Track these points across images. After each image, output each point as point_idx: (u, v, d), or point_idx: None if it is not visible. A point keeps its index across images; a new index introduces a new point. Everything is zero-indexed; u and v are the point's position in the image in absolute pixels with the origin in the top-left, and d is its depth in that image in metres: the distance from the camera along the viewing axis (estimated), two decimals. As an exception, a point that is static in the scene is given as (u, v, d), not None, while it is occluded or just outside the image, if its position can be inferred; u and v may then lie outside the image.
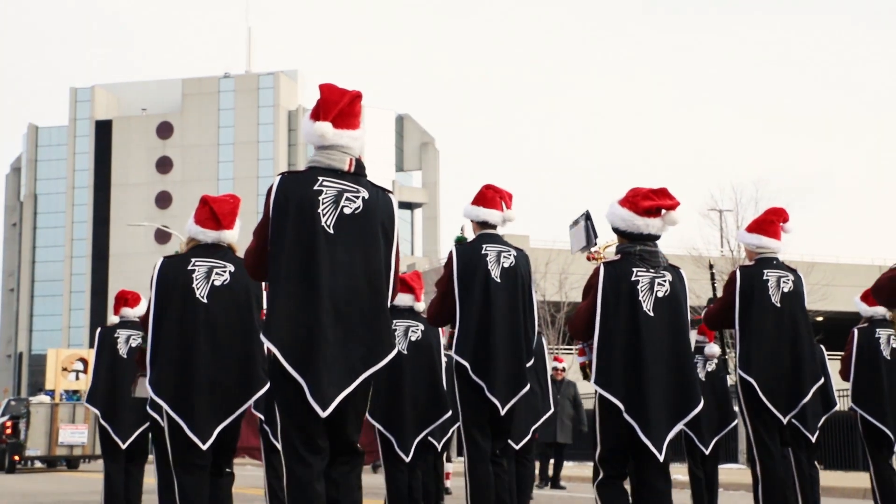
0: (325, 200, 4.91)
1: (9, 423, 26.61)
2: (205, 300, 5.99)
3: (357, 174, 5.03)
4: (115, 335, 9.20)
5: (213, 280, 6.06)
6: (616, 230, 6.08)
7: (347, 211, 4.93)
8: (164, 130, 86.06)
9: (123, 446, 9.05)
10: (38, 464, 28.43)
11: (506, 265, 7.03)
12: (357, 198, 4.96)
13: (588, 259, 6.70)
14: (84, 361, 27.46)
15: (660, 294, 5.89)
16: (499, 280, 6.97)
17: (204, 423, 5.89)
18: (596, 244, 6.75)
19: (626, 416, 5.76)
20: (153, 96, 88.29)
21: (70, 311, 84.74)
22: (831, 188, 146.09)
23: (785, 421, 7.59)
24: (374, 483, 9.19)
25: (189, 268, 6.06)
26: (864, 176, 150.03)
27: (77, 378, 27.86)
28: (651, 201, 5.95)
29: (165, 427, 6.07)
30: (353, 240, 4.91)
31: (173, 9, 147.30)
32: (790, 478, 7.65)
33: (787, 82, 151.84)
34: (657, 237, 6.04)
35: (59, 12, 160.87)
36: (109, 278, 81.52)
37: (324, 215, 4.89)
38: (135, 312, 9.31)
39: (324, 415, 4.75)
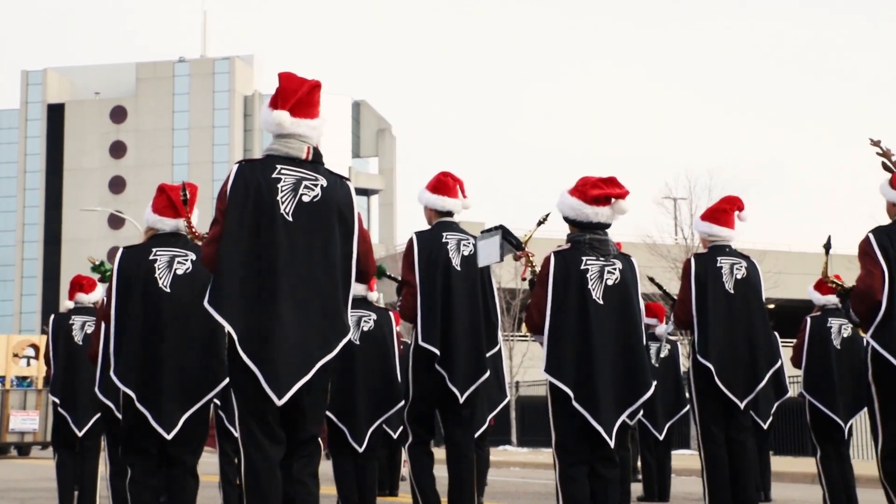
0: (283, 188, 4.92)
1: (-41, 410, 26.32)
2: (168, 289, 5.96)
3: (315, 162, 5.05)
4: (70, 322, 9.11)
5: (176, 269, 6.03)
6: (566, 219, 6.10)
7: (306, 199, 4.94)
8: (118, 115, 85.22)
9: (80, 434, 9.00)
10: (-12, 450, 28.18)
11: (465, 253, 7.04)
12: (315, 186, 4.97)
13: (515, 259, 6.71)
14: (35, 347, 27.22)
15: (609, 282, 5.92)
16: (459, 269, 6.98)
17: (170, 413, 5.85)
18: (522, 247, 6.68)
19: (574, 403, 5.79)
20: (107, 80, 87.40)
21: (21, 296, 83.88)
22: (783, 178, 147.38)
23: (742, 406, 7.67)
24: (329, 470, 9.19)
25: (151, 257, 6.03)
26: (815, 167, 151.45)
27: (28, 364, 27.63)
28: (600, 190, 5.98)
29: (122, 414, 6.02)
30: (311, 227, 4.91)
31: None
32: (746, 462, 7.72)
33: (740, 74, 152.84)
34: (607, 226, 6.07)
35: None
36: (62, 264, 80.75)
37: (283, 203, 4.89)
38: (90, 298, 9.24)
39: (279, 403, 4.75)
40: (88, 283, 9.27)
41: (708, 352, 7.57)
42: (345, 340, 4.96)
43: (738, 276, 7.71)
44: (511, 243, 6.69)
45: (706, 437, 7.64)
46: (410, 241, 7.05)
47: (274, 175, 4.92)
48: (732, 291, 7.67)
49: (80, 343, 9.02)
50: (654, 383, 6.15)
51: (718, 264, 7.70)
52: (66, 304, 9.38)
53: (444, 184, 7.19)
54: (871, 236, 6.40)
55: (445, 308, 6.91)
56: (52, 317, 9.34)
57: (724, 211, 7.96)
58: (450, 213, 7.18)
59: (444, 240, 7.01)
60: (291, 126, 5.01)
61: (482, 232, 6.85)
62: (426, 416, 6.98)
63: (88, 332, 9.02)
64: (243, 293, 4.81)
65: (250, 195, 4.87)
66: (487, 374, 7.10)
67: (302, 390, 4.81)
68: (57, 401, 9.07)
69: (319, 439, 8.02)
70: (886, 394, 6.28)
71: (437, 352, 6.85)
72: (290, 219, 4.88)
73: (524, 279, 6.66)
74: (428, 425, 6.97)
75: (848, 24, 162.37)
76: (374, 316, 8.17)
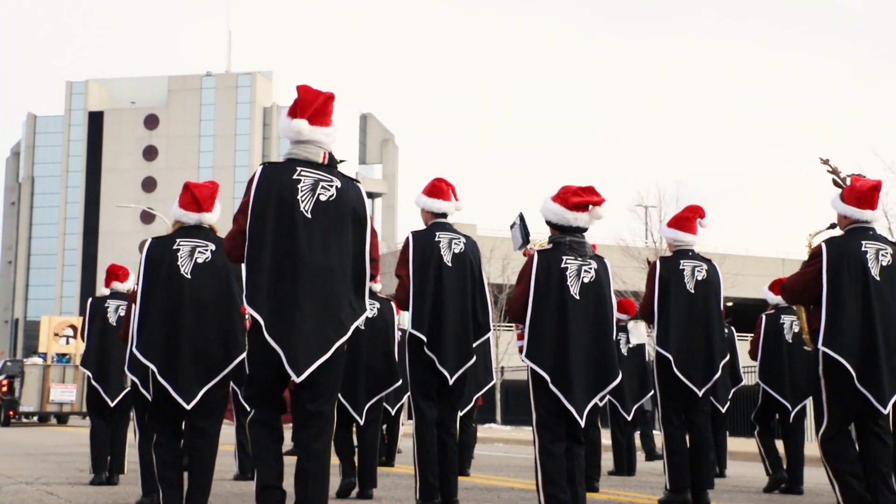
0: (303, 188, 4.93)
1: (5, 382, 26.37)
2: (189, 276, 5.96)
3: (330, 166, 5.06)
4: (106, 305, 9.21)
5: (197, 258, 6.02)
6: (548, 223, 6.10)
7: (323, 198, 4.95)
8: (151, 122, 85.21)
9: (112, 404, 9.06)
10: (31, 418, 28.18)
11: (456, 251, 7.01)
12: (331, 187, 4.98)
13: (524, 255, 6.72)
14: (74, 328, 27.23)
15: (586, 280, 5.92)
16: (450, 264, 6.95)
17: (188, 385, 5.85)
18: (529, 242, 6.78)
19: (551, 386, 5.79)
20: (142, 91, 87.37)
21: (62, 282, 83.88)
22: (743, 190, 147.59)
23: (700, 393, 7.69)
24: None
25: (174, 247, 6.03)
26: (771, 180, 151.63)
27: (67, 342, 27.63)
28: (579, 197, 5.98)
29: (150, 387, 6.03)
30: (327, 224, 4.92)
31: (162, 11, 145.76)
32: (704, 444, 7.74)
33: (706, 95, 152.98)
34: (585, 229, 6.07)
35: (57, 11, 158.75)
36: (99, 254, 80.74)
37: (302, 202, 4.91)
38: (124, 286, 9.29)
39: (298, 380, 4.77)
40: (123, 273, 9.34)
41: (668, 344, 7.63)
42: (357, 322, 4.97)
43: (699, 278, 7.74)
44: (524, 229, 6.79)
45: (666, 420, 7.73)
46: (407, 239, 7.03)
47: (294, 176, 4.94)
48: (693, 291, 7.70)
49: (114, 324, 9.09)
50: (620, 372, 6.15)
51: (681, 267, 7.74)
52: (102, 291, 9.45)
53: (438, 188, 7.18)
54: (825, 247, 6.41)
55: (436, 300, 6.89)
56: (90, 300, 9.42)
57: (688, 219, 7.98)
58: (444, 215, 7.16)
59: (436, 238, 6.99)
60: (309, 133, 5.03)
61: (512, 225, 6.94)
62: (426, 393, 6.93)
63: (121, 314, 9.08)
64: (269, 284, 4.83)
65: (273, 194, 4.89)
66: (474, 359, 7.09)
67: (319, 369, 4.82)
68: (90, 374, 9.13)
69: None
70: (833, 386, 6.32)
71: (424, 338, 6.84)
72: (309, 216, 4.90)
73: None
74: (431, 402, 6.94)
75: (805, 53, 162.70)
76: (377, 305, 8.17)
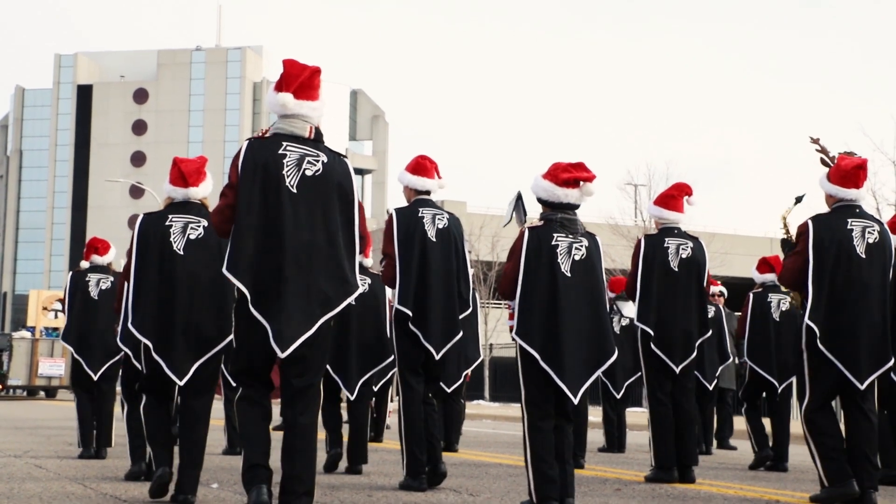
0: (288, 163, 4.91)
1: (-7, 356, 26.38)
2: (181, 252, 5.95)
3: (316, 140, 5.03)
4: (87, 279, 9.13)
5: (189, 234, 6.02)
6: (539, 200, 6.07)
7: (309, 173, 4.92)
8: (141, 96, 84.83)
9: (95, 377, 9.03)
10: (19, 392, 28.19)
11: (440, 226, 6.99)
12: (317, 162, 4.96)
13: (521, 233, 6.73)
14: (62, 302, 27.24)
15: (577, 257, 5.89)
16: (434, 240, 6.94)
17: (181, 362, 5.86)
18: (526, 221, 6.78)
19: (542, 363, 5.77)
20: (131, 64, 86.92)
21: (51, 256, 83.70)
22: (731, 170, 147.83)
23: (678, 370, 7.73)
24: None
25: (167, 223, 6.01)
26: (760, 160, 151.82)
27: (56, 316, 27.67)
28: (570, 174, 5.95)
29: (143, 361, 6.04)
30: (313, 199, 4.90)
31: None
32: (688, 423, 7.79)
33: (697, 75, 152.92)
34: (576, 206, 6.02)
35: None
36: (87, 228, 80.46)
37: (288, 177, 4.88)
38: (104, 259, 9.24)
39: (283, 355, 4.76)
40: (103, 246, 9.28)
41: (648, 320, 7.68)
42: (350, 299, 4.95)
43: (683, 256, 7.79)
44: (522, 208, 6.80)
45: (651, 397, 7.80)
46: (391, 216, 7.01)
47: (280, 151, 4.92)
48: (676, 269, 7.76)
49: (96, 298, 9.04)
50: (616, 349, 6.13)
51: (666, 244, 7.78)
52: (83, 264, 9.36)
53: (422, 166, 7.14)
54: (811, 224, 6.46)
55: (421, 275, 6.87)
56: (70, 274, 9.35)
57: (673, 197, 8.01)
58: (427, 192, 7.12)
59: (420, 214, 6.97)
60: (295, 107, 5.00)
61: (510, 203, 6.95)
62: (413, 368, 6.93)
63: (103, 287, 9.05)
64: (254, 258, 4.82)
65: (258, 169, 4.87)
66: (461, 334, 7.08)
67: (304, 344, 4.80)
68: (71, 348, 9.12)
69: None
70: (815, 361, 6.38)
71: (410, 313, 6.83)
72: (295, 191, 4.88)
73: None
74: (418, 377, 6.94)
75: (794, 32, 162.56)
76: (369, 280, 8.14)
